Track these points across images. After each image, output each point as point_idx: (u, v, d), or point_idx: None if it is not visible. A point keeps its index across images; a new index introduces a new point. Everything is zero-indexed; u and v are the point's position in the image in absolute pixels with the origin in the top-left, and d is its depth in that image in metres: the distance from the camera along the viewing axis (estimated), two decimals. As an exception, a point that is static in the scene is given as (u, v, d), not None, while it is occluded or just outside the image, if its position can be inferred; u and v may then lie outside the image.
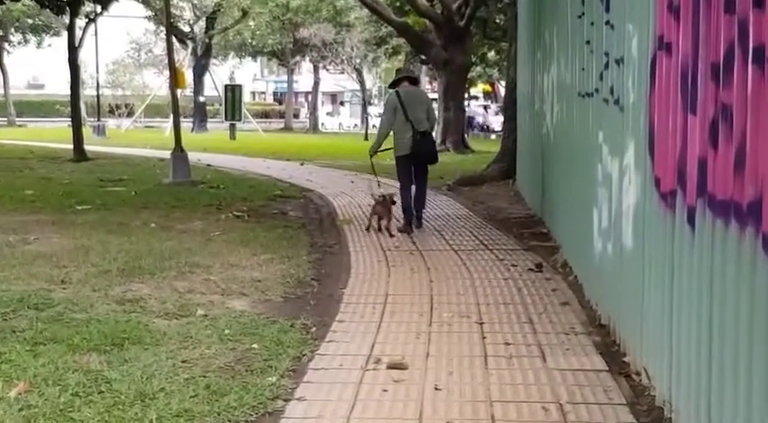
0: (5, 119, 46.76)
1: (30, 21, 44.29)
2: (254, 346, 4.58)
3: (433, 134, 9.37)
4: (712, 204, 2.99)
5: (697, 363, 3.17)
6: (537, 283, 6.28)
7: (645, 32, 4.05)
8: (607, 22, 5.06)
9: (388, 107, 8.97)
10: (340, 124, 58.11)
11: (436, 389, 3.95)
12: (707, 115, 3.05)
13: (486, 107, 48.34)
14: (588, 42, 5.79)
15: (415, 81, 9.44)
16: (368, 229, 8.85)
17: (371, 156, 9.29)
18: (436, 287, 6.18)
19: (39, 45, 47.53)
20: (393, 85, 9.27)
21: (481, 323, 5.14)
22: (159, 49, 48.74)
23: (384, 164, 10.52)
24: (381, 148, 9.20)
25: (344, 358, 4.41)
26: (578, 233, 6.24)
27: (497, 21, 28.17)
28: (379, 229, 8.78)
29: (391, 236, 8.56)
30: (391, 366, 4.25)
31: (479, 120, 44.55)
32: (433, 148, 9.13)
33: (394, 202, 8.80)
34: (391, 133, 8.96)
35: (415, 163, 8.92)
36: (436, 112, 12.16)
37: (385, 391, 3.93)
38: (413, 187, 8.96)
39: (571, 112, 6.82)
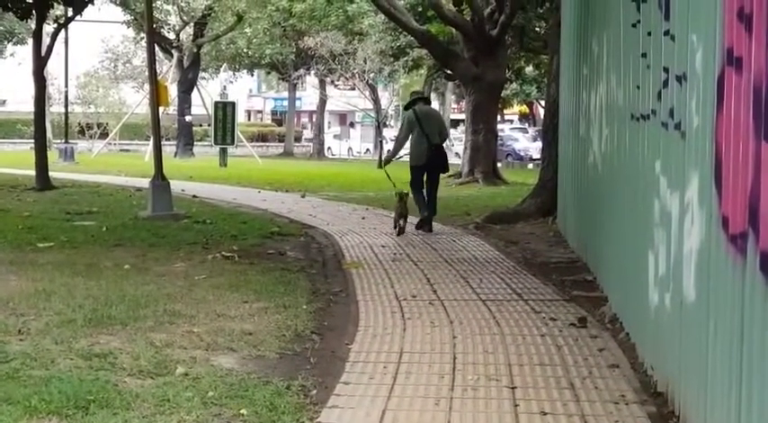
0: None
1: (-11, 26, 44.97)
2: (243, 411, 4.56)
3: (445, 145, 12.98)
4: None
5: (773, 440, 3.13)
6: (580, 341, 6.23)
7: (711, 44, 4.06)
8: (666, 32, 5.07)
9: (406, 123, 12.42)
10: (349, 149, 58.46)
11: (459, 467, 3.92)
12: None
13: (522, 131, 48.49)
14: (644, 55, 5.81)
15: (427, 101, 13.45)
16: (398, 233, 11.85)
17: (384, 166, 12.47)
18: (460, 344, 6.14)
19: (0, 54, 48.17)
20: (408, 106, 12.73)
21: (513, 388, 5.10)
22: (139, 59, 49.36)
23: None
24: (396, 157, 12.71)
25: (350, 428, 4.38)
26: (630, 282, 6.21)
27: (537, 29, 28.36)
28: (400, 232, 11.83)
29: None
30: (406, 439, 4.24)
31: (514, 146, 44.68)
32: (445, 160, 12.55)
33: (407, 194, 11.97)
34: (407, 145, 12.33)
35: (429, 171, 12.31)
36: (463, 136, 14.92)
37: (398, 468, 3.91)
38: (424, 193, 12.23)
39: (623, 137, 6.83)
